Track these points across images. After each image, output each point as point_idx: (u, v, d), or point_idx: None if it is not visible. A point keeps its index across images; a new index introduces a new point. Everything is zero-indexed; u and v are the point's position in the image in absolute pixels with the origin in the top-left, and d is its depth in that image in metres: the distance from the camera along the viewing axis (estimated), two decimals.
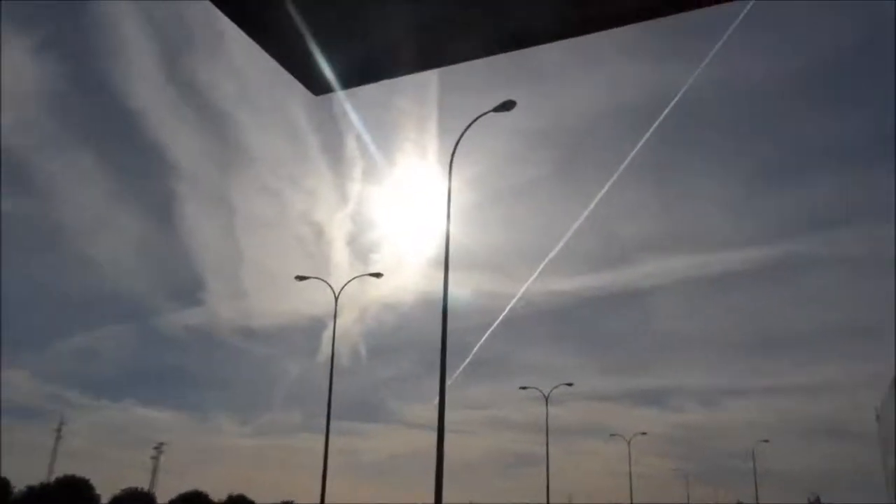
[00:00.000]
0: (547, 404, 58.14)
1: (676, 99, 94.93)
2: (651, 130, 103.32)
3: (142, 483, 60.01)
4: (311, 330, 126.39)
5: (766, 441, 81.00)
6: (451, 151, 21.58)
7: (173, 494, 53.53)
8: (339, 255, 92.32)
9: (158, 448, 73.11)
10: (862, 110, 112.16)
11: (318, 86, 2.00)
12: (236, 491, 56.10)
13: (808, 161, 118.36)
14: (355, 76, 1.98)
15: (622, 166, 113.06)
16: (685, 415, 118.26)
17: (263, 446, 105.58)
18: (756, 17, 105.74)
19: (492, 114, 22.51)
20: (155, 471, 70.47)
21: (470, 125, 22.47)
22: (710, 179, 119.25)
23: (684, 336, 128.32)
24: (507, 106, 22.53)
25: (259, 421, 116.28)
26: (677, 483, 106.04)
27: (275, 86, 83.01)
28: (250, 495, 56.43)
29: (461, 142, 21.84)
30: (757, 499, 78.71)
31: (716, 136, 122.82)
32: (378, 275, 38.41)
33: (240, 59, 79.38)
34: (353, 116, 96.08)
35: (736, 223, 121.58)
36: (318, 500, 32.34)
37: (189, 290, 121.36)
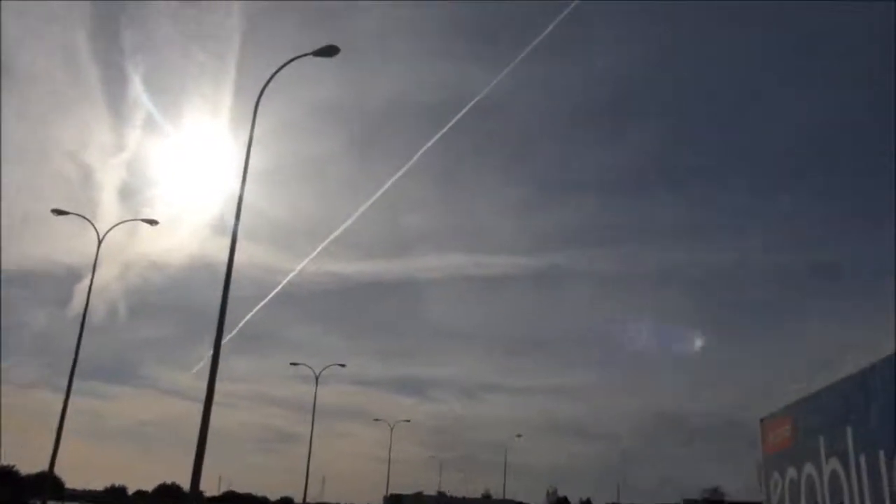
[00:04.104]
0: (317, 383, 56.36)
1: (473, 102, 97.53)
2: (446, 129, 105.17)
3: None
4: (63, 280, 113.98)
5: (520, 436, 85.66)
6: (244, 112, 19.09)
7: None
8: (109, 203, 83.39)
9: None
10: (630, 146, 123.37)
11: None
12: None
13: (580, 183, 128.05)
14: None
15: (414, 158, 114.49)
16: (444, 405, 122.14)
17: None
18: (561, 39, 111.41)
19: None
20: None
21: (283, 66, 20.10)
22: (493, 185, 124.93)
23: (451, 330, 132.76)
24: (329, 51, 20.39)
25: None
26: (432, 470, 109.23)
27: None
28: None
29: (258, 105, 19.28)
30: (504, 490, 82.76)
31: (504, 145, 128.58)
32: (153, 222, 34.26)
33: None
34: (142, 56, 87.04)
35: (510, 230, 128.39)
36: (48, 465, 28.30)
37: None
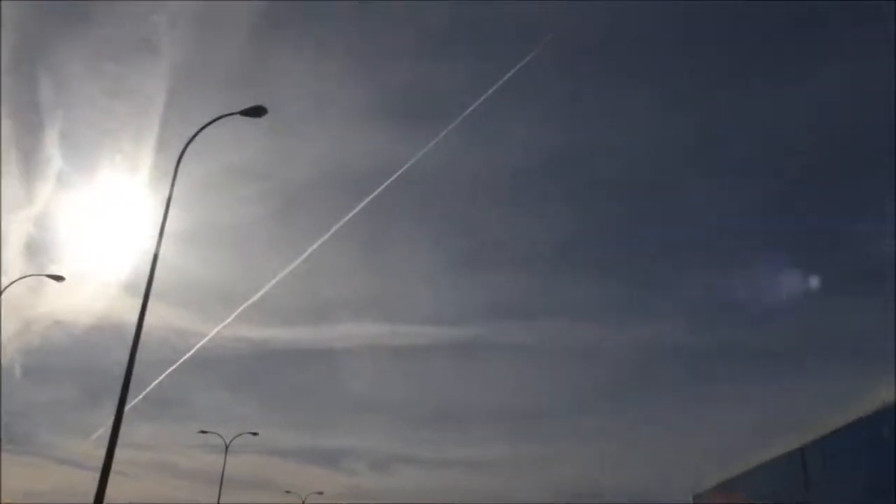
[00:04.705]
0: (226, 453, 54.09)
1: (397, 175, 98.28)
2: (371, 197, 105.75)
3: None
4: None
5: None
6: (164, 171, 18.90)
7: None
8: (12, 259, 79.09)
9: None
10: (558, 220, 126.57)
11: None
12: None
13: (506, 255, 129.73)
14: None
15: (334, 228, 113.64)
16: (358, 477, 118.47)
17: None
18: (492, 110, 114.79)
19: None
20: None
21: (208, 124, 19.90)
22: (417, 255, 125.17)
23: (367, 400, 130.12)
24: (257, 112, 20.36)
25: None
26: None
27: None
28: None
29: (180, 162, 18.97)
30: None
31: (430, 215, 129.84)
32: (59, 278, 32.86)
33: None
34: (62, 112, 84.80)
35: (433, 300, 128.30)
36: None
37: None
